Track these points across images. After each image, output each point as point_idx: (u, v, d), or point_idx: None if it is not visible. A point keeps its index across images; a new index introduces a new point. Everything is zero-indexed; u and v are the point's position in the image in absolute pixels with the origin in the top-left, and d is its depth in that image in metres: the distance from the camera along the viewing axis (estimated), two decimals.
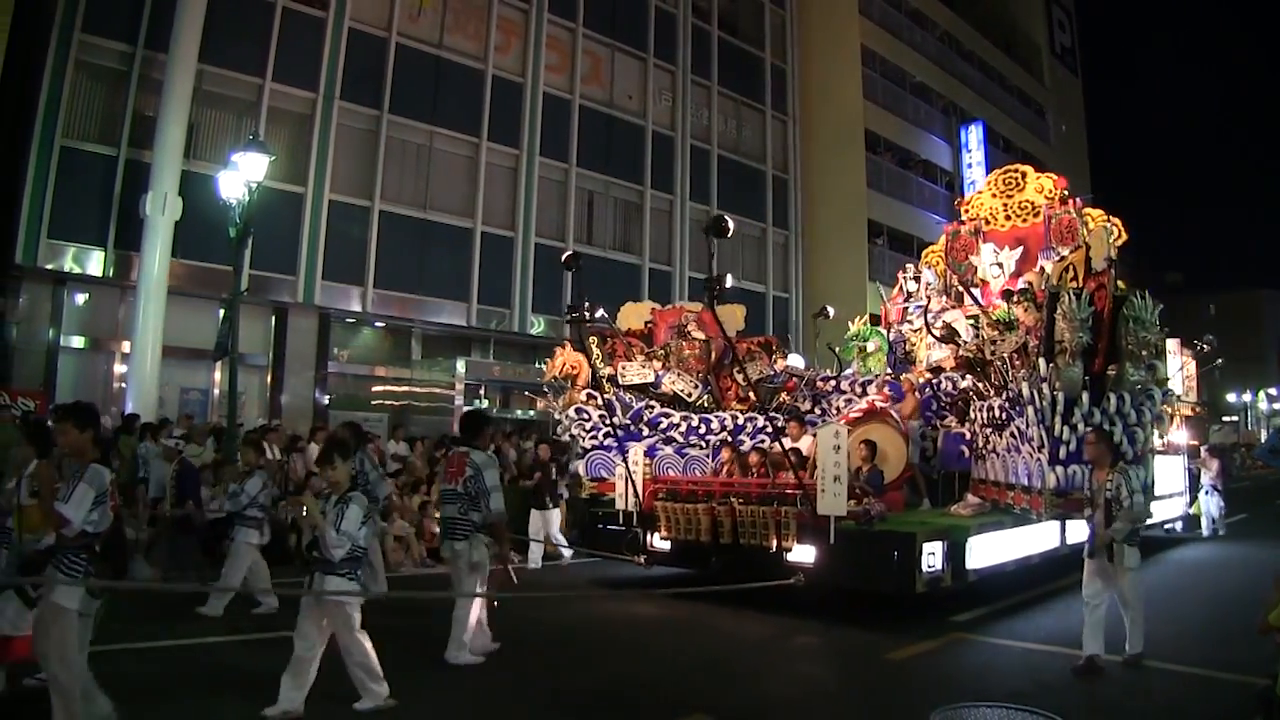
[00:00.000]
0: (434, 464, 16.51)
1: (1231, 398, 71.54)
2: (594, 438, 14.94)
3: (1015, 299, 13.00)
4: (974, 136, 42.44)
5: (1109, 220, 16.59)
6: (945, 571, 10.42)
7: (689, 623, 10.84)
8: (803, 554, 10.85)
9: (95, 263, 20.62)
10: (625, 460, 13.13)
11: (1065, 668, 8.50)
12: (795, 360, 20.16)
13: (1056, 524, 12.45)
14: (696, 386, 15.81)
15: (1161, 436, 16.60)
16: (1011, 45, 49.85)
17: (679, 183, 33.30)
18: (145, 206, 19.66)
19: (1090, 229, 16.33)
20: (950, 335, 15.69)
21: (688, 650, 9.59)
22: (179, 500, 12.67)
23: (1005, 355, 12.65)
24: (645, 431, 15.02)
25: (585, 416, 15.05)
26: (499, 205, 28.13)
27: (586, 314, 13.69)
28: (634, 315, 17.20)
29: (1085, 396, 11.11)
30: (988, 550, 11.26)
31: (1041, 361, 11.40)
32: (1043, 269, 14.79)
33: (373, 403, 24.99)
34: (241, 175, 16.38)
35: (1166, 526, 18.14)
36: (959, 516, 11.98)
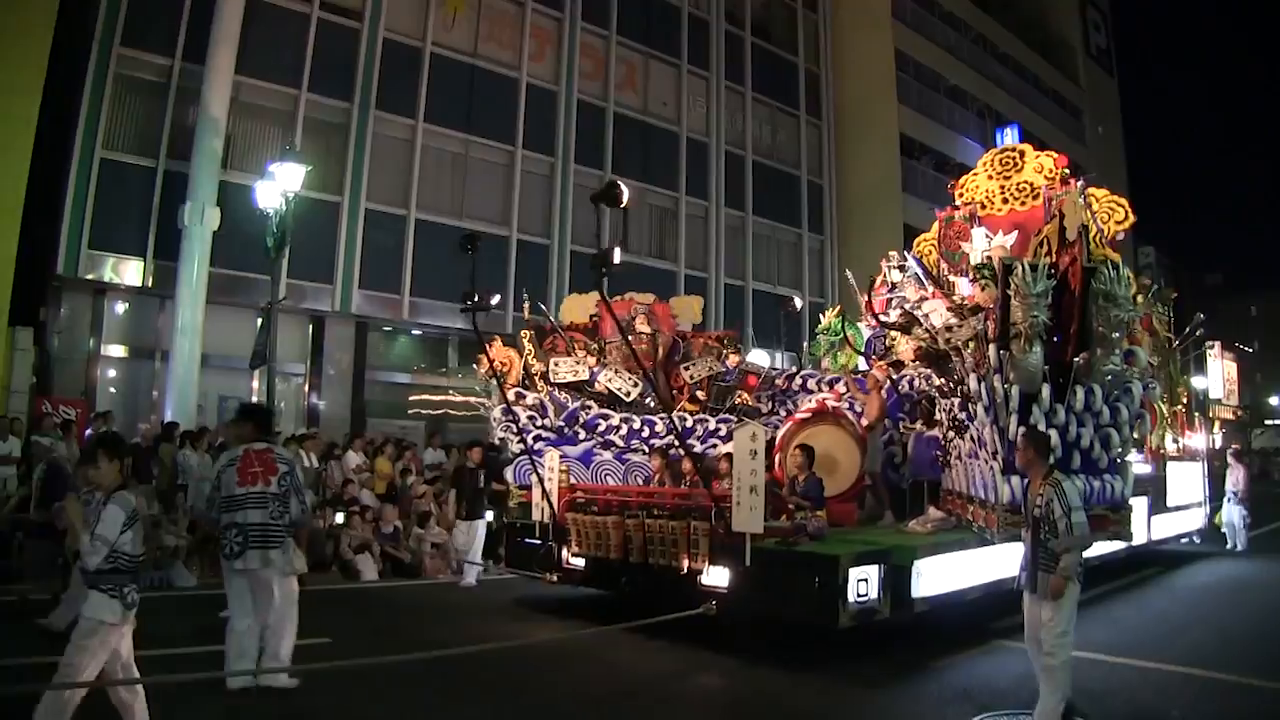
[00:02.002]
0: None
1: (1275, 400, 70.36)
2: (523, 441, 12.87)
3: (973, 276, 11.36)
4: (1009, 139, 42.03)
5: (1115, 201, 15.37)
6: (881, 601, 8.93)
7: (582, 653, 9.53)
8: (717, 577, 9.55)
9: (134, 273, 20.78)
10: (537, 466, 12.03)
11: (1106, 675, 8.41)
12: (757, 357, 19.02)
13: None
14: (636, 384, 14.17)
15: (1167, 439, 15.92)
16: (1046, 47, 49.45)
17: (714, 189, 33.19)
18: (183, 217, 19.80)
19: (1093, 206, 15.05)
20: (909, 324, 13.33)
21: (561, 687, 8.40)
22: (44, 503, 11.88)
23: (961, 344, 10.91)
24: (582, 435, 13.56)
25: (513, 418, 13.04)
26: (534, 213, 28.16)
27: (480, 301, 11.66)
28: (578, 307, 15.80)
29: (1046, 390, 9.33)
30: (943, 574, 9.69)
31: (992, 349, 9.75)
32: (1004, 245, 13.02)
33: (409, 410, 25.03)
34: (278, 185, 16.50)
35: (1184, 539, 17.11)
36: (912, 534, 10.60)
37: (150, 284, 20.79)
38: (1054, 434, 8.89)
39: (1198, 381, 52.71)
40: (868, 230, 37.24)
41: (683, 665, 9.21)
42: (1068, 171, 15.36)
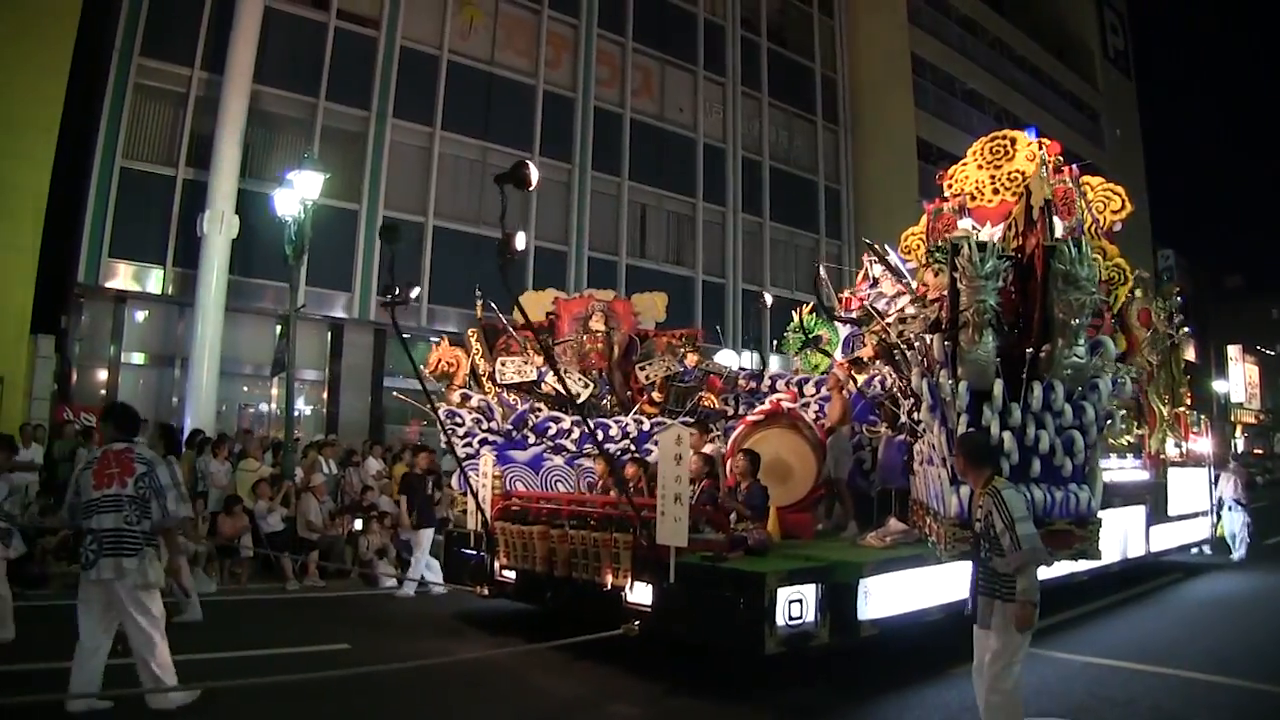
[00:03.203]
0: None
1: None
2: (469, 446, 12.16)
3: (927, 260, 10.61)
4: None
5: (1110, 189, 14.35)
6: (819, 624, 8.00)
7: (503, 672, 8.78)
8: (641, 595, 8.68)
9: (154, 281, 20.91)
10: (463, 470, 11.30)
11: (1128, 682, 8.35)
12: (725, 357, 18.17)
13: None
14: (587, 385, 13.31)
15: (1168, 442, 14.96)
16: (1063, 50, 49.29)
17: (731, 195, 33.19)
18: (203, 225, 19.93)
19: (1088, 195, 14.17)
20: (867, 317, 12.46)
21: (466, 711, 7.81)
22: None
23: (914, 337, 9.82)
24: (531, 439, 12.68)
25: (458, 421, 12.44)
26: (552, 219, 28.23)
27: (399, 294, 11.14)
28: (533, 305, 14.74)
29: (998, 387, 8.06)
30: (897, 594, 8.74)
31: (935, 340, 8.68)
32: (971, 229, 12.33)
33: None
34: (297, 193, 16.58)
35: (1194, 550, 16.44)
36: (867, 549, 9.60)
37: (170, 292, 20.91)
38: (1008, 437, 7.97)
39: (1218, 385, 52.71)
40: (885, 235, 37.00)
41: (601, 690, 8.35)
42: (1061, 159, 14.53)
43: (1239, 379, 52.95)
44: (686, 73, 32.82)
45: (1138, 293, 13.96)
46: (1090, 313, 8.40)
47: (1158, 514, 13.99)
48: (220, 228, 19.94)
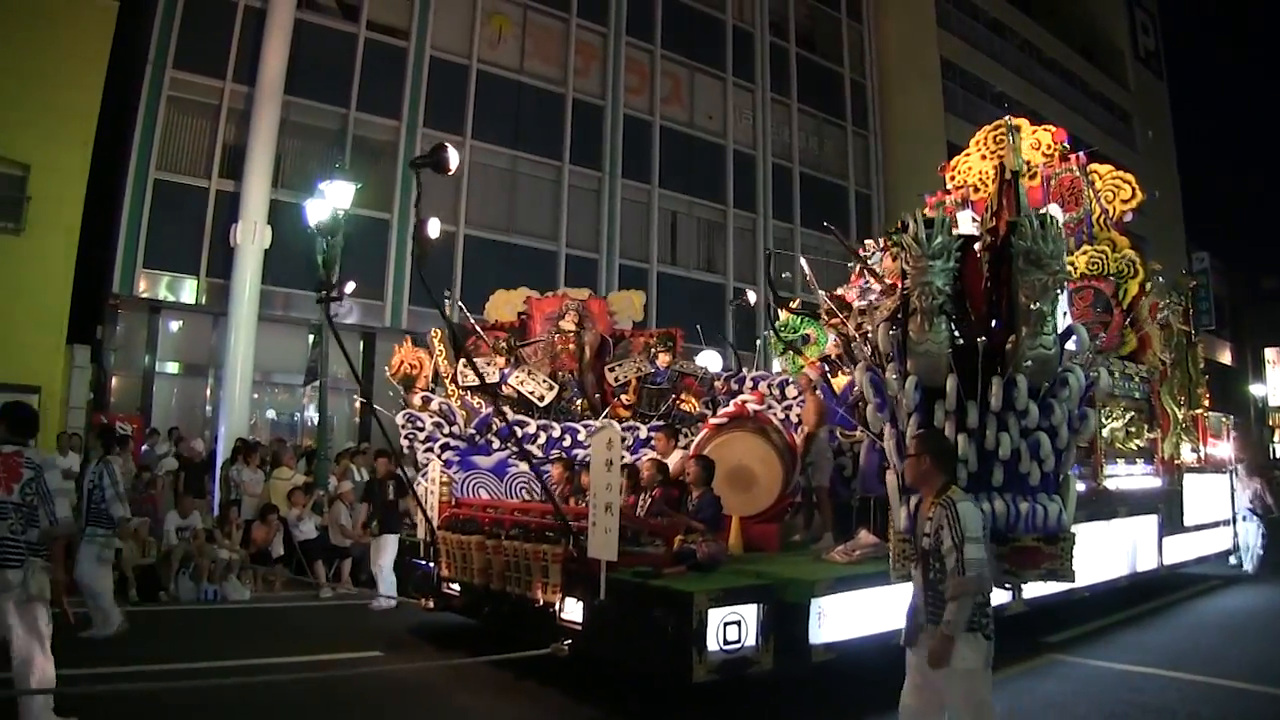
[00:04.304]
0: None
1: None
2: (429, 451, 11.55)
3: (885, 245, 9.75)
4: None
5: (1120, 177, 13.58)
6: (761, 648, 7.22)
7: (427, 692, 8.19)
8: (574, 612, 7.97)
9: (188, 291, 21.06)
10: (407, 476, 11.04)
11: (1164, 689, 8.21)
12: (708, 358, 16.92)
13: None
14: (551, 388, 12.57)
15: (1183, 447, 13.84)
16: (1093, 51, 48.92)
17: (761, 201, 33.13)
18: (235, 235, 20.08)
19: (1096, 185, 13.59)
20: (830, 311, 11.78)
21: None
22: None
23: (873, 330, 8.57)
24: (495, 444, 11.93)
25: (419, 426, 11.76)
26: (583, 227, 28.31)
27: (337, 294, 10.54)
28: (504, 304, 14.27)
29: (952, 383, 6.82)
30: (858, 614, 7.81)
31: (881, 331, 7.56)
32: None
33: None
34: (329, 203, 16.61)
35: (1233, 561, 15.77)
36: (830, 564, 8.70)
37: (203, 302, 21.07)
38: (964, 440, 6.75)
39: (1255, 389, 52.04)
40: None
41: (532, 713, 7.83)
42: (1067, 146, 14.04)
43: (1277, 382, 52.21)
44: (715, 79, 32.82)
45: (1149, 286, 13.13)
46: (1056, 295, 7.21)
47: (1172, 524, 12.98)
48: (253, 238, 20.06)
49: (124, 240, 20.33)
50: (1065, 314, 11.11)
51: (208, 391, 21.43)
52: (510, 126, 26.95)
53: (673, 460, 10.22)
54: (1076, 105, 45.21)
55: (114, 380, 20.50)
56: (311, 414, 21.55)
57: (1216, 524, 14.78)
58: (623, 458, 10.04)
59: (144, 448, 17.05)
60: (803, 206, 34.27)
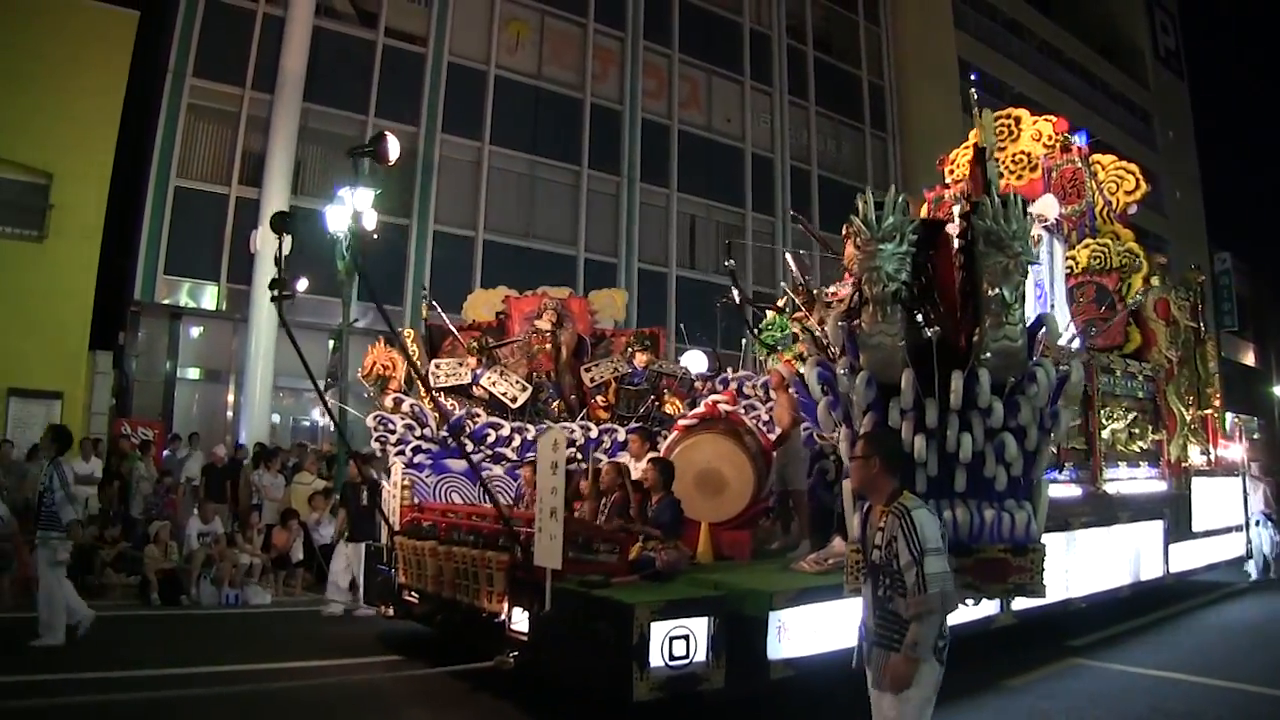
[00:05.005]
0: None
1: None
2: (401, 454, 11.10)
3: (846, 231, 9.08)
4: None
5: (1123, 168, 13.22)
6: (712, 664, 6.74)
7: (376, 702, 7.91)
8: (522, 623, 7.58)
9: (209, 297, 21.19)
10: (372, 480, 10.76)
11: (1189, 695, 8.14)
12: (694, 358, 16.28)
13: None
14: (524, 389, 11.99)
15: (1192, 449, 13.13)
16: (1113, 51, 48.60)
17: (780, 204, 33.08)
18: (255, 242, 20.14)
19: (1099, 176, 13.19)
20: (795, 304, 11.34)
21: None
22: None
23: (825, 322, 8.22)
24: (469, 447, 11.19)
25: (390, 428, 11.18)
26: (601, 232, 28.34)
27: (288, 291, 10.46)
28: (482, 304, 13.92)
29: (908, 379, 6.11)
30: (822, 628, 7.19)
31: (830, 321, 6.97)
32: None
33: None
34: (348, 209, 16.67)
35: (1245, 568, 15.06)
36: (797, 574, 8.01)
37: (224, 308, 21.19)
38: (920, 442, 6.05)
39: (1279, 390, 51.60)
40: None
41: None
42: (1068, 137, 13.62)
43: None
44: (733, 83, 32.80)
45: (1154, 281, 12.70)
46: (1021, 281, 6.43)
47: (1179, 530, 12.32)
48: (271, 245, 20.13)
49: (145, 247, 20.50)
50: (1059, 306, 10.57)
51: (229, 397, 21.53)
52: (529, 131, 27.04)
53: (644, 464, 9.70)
54: (1096, 106, 44.98)
55: (135, 386, 20.60)
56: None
57: (1228, 530, 14.12)
58: (598, 461, 10.40)
59: (165, 453, 17.14)
60: (821, 209, 34.17)
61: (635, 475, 9.28)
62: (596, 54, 29.09)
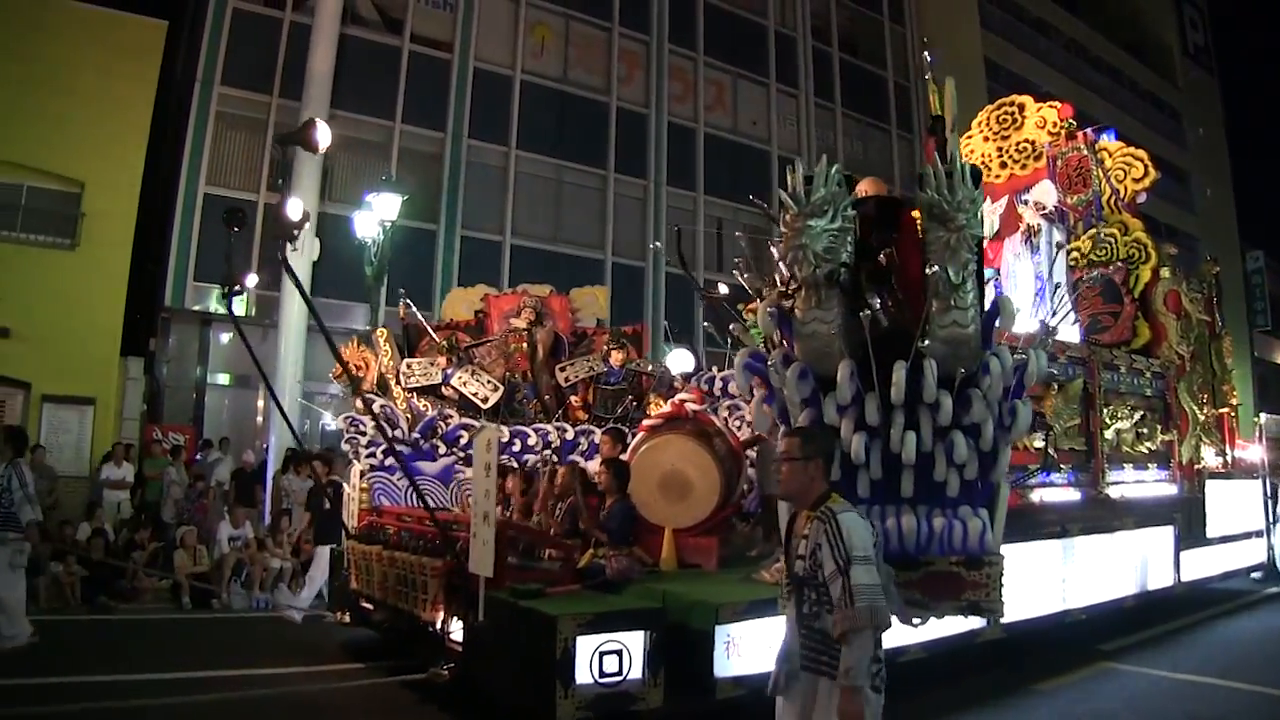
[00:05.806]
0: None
1: None
2: (371, 456, 10.82)
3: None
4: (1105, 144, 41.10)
5: (1131, 154, 12.73)
6: (649, 681, 6.29)
7: (319, 712, 7.73)
8: (459, 633, 7.36)
9: (238, 303, 21.25)
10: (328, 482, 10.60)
11: (1226, 699, 8.05)
12: (679, 357, 15.47)
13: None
14: (496, 389, 11.74)
15: (1206, 450, 12.51)
16: (1141, 48, 48.13)
17: None
18: (284, 248, 20.21)
19: (1106, 163, 12.69)
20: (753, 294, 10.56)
21: None
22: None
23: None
24: (441, 449, 11.13)
25: (360, 429, 10.91)
26: (628, 236, 28.29)
27: (240, 288, 10.34)
28: (461, 302, 13.71)
29: (845, 370, 5.58)
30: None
31: (761, 309, 6.25)
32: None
33: None
34: (376, 215, 16.75)
35: (1255, 575, 13.91)
36: (757, 584, 7.39)
37: (253, 314, 21.25)
38: (858, 440, 5.56)
39: None
40: None
41: None
42: (1074, 123, 13.01)
43: None
44: (759, 85, 32.72)
45: (1165, 273, 12.18)
46: (970, 260, 5.76)
47: (1191, 536, 11.77)
48: (301, 251, 20.23)
49: (175, 254, 20.64)
50: (1059, 298, 9.63)
51: (258, 402, 21.63)
52: (555, 136, 27.06)
53: None
54: (1125, 104, 44.54)
55: (166, 391, 20.72)
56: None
57: (1248, 535, 13.37)
58: (554, 462, 10.22)
59: (197, 457, 17.26)
60: None
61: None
62: (622, 57, 29.09)
